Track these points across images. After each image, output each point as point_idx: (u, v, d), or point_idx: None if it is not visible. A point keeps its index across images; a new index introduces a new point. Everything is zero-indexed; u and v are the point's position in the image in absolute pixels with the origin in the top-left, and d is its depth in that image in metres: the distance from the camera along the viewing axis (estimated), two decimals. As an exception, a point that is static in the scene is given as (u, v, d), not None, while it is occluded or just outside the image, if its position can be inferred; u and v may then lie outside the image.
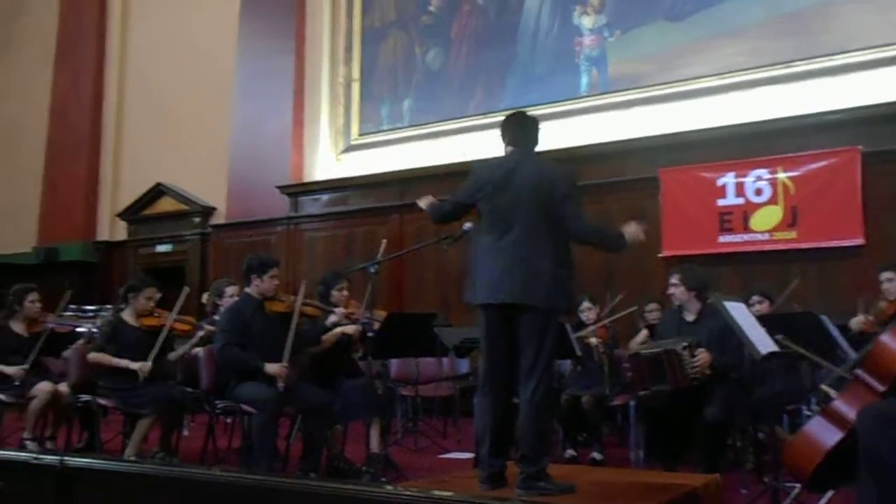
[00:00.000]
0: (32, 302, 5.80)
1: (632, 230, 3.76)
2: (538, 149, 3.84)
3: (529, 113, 3.95)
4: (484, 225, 3.69)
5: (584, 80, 8.64)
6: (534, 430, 3.44)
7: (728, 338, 4.35)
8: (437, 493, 2.52)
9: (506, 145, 3.80)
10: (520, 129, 3.77)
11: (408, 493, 2.53)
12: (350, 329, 5.14)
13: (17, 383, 5.52)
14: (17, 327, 5.76)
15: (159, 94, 12.13)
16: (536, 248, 3.51)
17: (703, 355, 4.49)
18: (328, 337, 5.12)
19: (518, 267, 3.50)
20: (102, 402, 5.33)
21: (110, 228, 12.53)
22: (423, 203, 4.06)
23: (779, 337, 3.70)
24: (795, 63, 7.41)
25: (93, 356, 5.25)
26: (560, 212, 3.55)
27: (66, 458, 3.00)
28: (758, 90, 7.58)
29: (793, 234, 7.00)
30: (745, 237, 7.21)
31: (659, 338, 4.96)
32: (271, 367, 4.70)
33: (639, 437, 5.14)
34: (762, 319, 4.10)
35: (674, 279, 4.91)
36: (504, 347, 3.57)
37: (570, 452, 5.53)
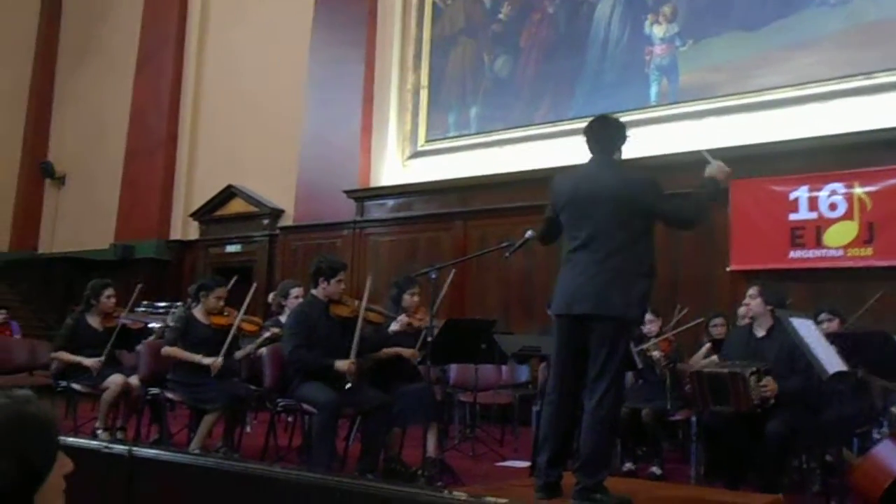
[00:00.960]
0: (108, 297, 6.03)
1: (714, 171, 3.72)
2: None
3: (614, 117, 3.87)
4: (565, 237, 3.68)
5: (654, 89, 8.53)
6: (595, 440, 3.40)
7: (798, 356, 4.22)
8: (491, 499, 2.52)
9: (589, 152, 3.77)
10: (594, 135, 3.71)
11: (463, 498, 2.55)
12: (407, 353, 5.20)
13: (93, 374, 5.74)
14: (93, 321, 6.00)
15: (233, 100, 12.46)
16: (614, 257, 3.47)
17: (770, 384, 4.33)
18: (384, 353, 5.19)
19: (594, 277, 3.47)
20: (170, 395, 5.50)
21: (183, 228, 12.92)
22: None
23: (851, 364, 3.58)
24: (876, 74, 7.17)
25: (167, 350, 5.43)
26: (655, 218, 3.56)
27: (134, 448, 3.12)
28: (835, 102, 7.36)
29: (868, 251, 6.76)
30: (818, 253, 6.99)
31: (725, 354, 4.84)
32: (341, 364, 4.80)
33: (699, 453, 5.04)
34: (831, 338, 3.98)
35: (752, 291, 4.75)
36: (575, 356, 3.55)
37: (628, 466, 5.45)
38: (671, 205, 3.59)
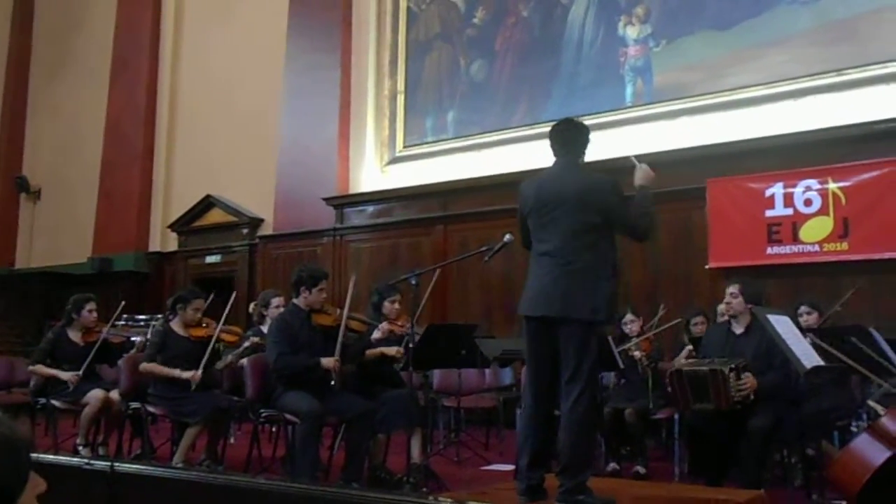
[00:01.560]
0: (90, 311, 5.98)
1: (638, 177, 3.74)
2: (589, 157, 3.83)
3: (578, 120, 3.90)
4: (533, 241, 3.71)
5: (629, 90, 8.59)
6: (574, 442, 3.42)
7: (775, 352, 4.27)
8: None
9: (554, 155, 3.80)
10: (559, 138, 3.75)
11: (448, 503, 2.55)
12: (391, 351, 5.21)
13: (70, 388, 5.69)
14: (74, 336, 5.95)
15: (209, 109, 12.40)
16: (578, 259, 3.50)
17: (749, 381, 4.38)
18: (370, 353, 5.21)
19: (559, 279, 3.50)
20: (152, 409, 5.46)
21: (161, 239, 12.83)
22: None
23: (826, 345, 3.62)
24: (846, 71, 7.26)
25: (144, 366, 5.39)
26: (614, 223, 3.57)
27: (116, 463, 3.09)
28: (807, 99, 7.44)
29: (844, 246, 6.84)
30: (795, 248, 7.07)
31: (704, 352, 4.88)
32: (326, 361, 4.82)
33: (683, 451, 5.07)
34: (810, 332, 4.02)
35: (733, 289, 4.77)
36: (547, 359, 3.57)
37: (612, 466, 5.48)
38: (626, 215, 3.61)
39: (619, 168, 7.71)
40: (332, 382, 4.79)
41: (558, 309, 3.47)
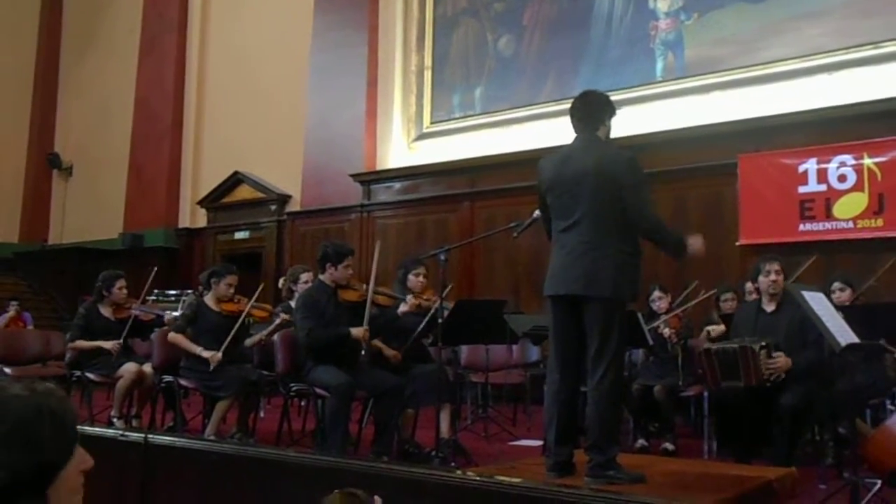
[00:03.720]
0: (120, 289, 6.07)
1: (697, 245, 3.60)
2: (614, 132, 3.76)
3: (597, 91, 3.79)
4: (553, 219, 3.67)
5: (660, 64, 8.47)
6: (601, 418, 3.42)
7: (808, 330, 4.22)
8: (504, 479, 2.54)
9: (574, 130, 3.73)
10: (578, 114, 3.66)
11: (476, 478, 2.56)
12: (389, 353, 5.21)
13: (110, 359, 5.79)
14: (105, 311, 6.04)
15: (237, 86, 12.44)
16: (599, 236, 3.46)
17: (781, 359, 4.34)
18: (373, 345, 5.18)
19: (580, 257, 3.47)
20: (184, 383, 5.54)
21: (191, 216, 12.95)
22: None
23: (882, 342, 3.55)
24: (883, 44, 7.09)
25: (171, 336, 5.46)
26: (625, 200, 3.47)
27: (150, 435, 3.15)
28: (843, 73, 7.29)
29: (879, 222, 6.72)
30: (828, 225, 6.96)
31: (735, 330, 4.84)
32: (356, 331, 4.85)
33: (712, 428, 5.05)
34: (844, 310, 3.96)
35: (777, 266, 4.72)
36: (572, 336, 3.56)
37: (641, 443, 5.47)
38: (642, 197, 3.51)
39: (646, 144, 7.72)
40: (363, 352, 4.82)
41: (581, 287, 3.45)
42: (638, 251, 3.55)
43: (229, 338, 5.40)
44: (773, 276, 4.70)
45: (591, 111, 3.66)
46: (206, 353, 5.32)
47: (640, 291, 3.72)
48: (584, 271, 3.45)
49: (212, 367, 5.30)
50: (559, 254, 3.57)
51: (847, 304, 4.78)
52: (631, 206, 3.47)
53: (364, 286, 5.17)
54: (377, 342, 5.23)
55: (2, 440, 1.22)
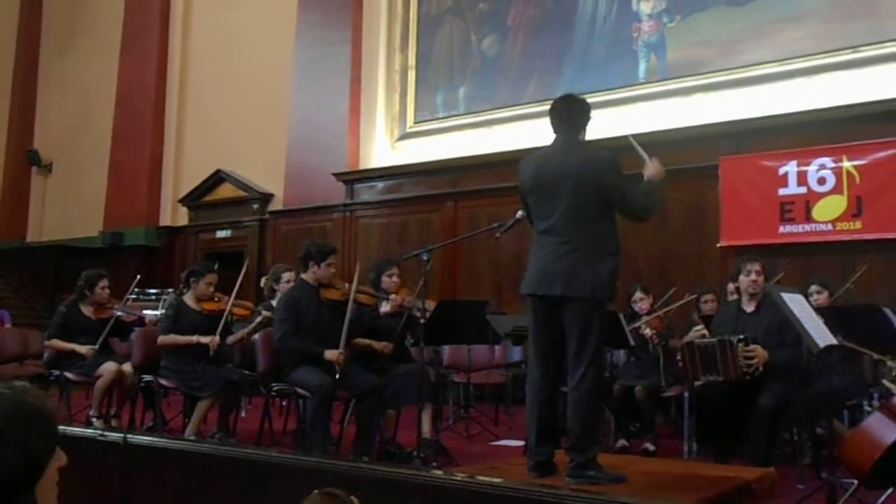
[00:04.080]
0: (102, 288, 6.02)
1: (652, 170, 3.71)
2: (590, 134, 3.79)
3: (578, 96, 3.85)
4: (533, 219, 3.70)
5: (643, 66, 8.51)
6: (581, 419, 3.44)
7: (787, 330, 4.26)
8: (485, 479, 2.55)
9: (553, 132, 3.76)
10: (559, 115, 3.70)
11: (457, 478, 2.57)
12: (379, 346, 5.19)
13: (86, 361, 5.74)
14: (86, 310, 5.98)
15: (219, 83, 12.37)
16: (578, 237, 3.49)
17: (758, 351, 4.41)
18: (359, 343, 5.18)
19: (560, 258, 3.49)
20: (164, 382, 5.51)
21: (172, 214, 12.86)
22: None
23: (838, 338, 3.61)
24: (862, 48, 7.16)
25: (162, 339, 5.42)
26: (613, 201, 3.52)
27: (129, 435, 3.13)
28: (823, 76, 7.36)
29: (857, 225, 6.79)
30: (807, 227, 7.03)
31: (715, 330, 4.88)
32: (329, 354, 4.81)
33: (692, 428, 5.09)
34: (822, 312, 4.01)
35: (758, 267, 4.77)
36: (551, 337, 3.58)
37: (622, 443, 5.50)
38: (627, 194, 3.57)
39: (628, 146, 7.74)
40: (337, 375, 4.78)
41: (560, 287, 3.47)
42: (617, 251, 3.58)
43: (220, 328, 5.38)
44: (753, 276, 4.75)
45: (574, 114, 3.70)
46: (205, 339, 5.31)
47: (618, 291, 3.75)
48: (563, 271, 3.47)
49: (211, 352, 5.28)
50: (539, 254, 3.60)
51: (825, 306, 4.82)
52: (621, 205, 3.54)
53: (346, 285, 5.16)
54: (362, 340, 5.22)
55: None
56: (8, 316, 10.81)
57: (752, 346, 4.42)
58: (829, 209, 6.93)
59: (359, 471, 2.68)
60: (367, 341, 5.22)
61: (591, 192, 3.50)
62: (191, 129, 12.94)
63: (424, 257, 4.76)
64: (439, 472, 2.77)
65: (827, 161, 6.97)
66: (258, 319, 5.84)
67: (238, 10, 12.25)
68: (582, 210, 3.50)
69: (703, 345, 4.55)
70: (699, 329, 5.31)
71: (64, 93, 15.04)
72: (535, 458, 3.54)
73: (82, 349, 5.76)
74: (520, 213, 4.43)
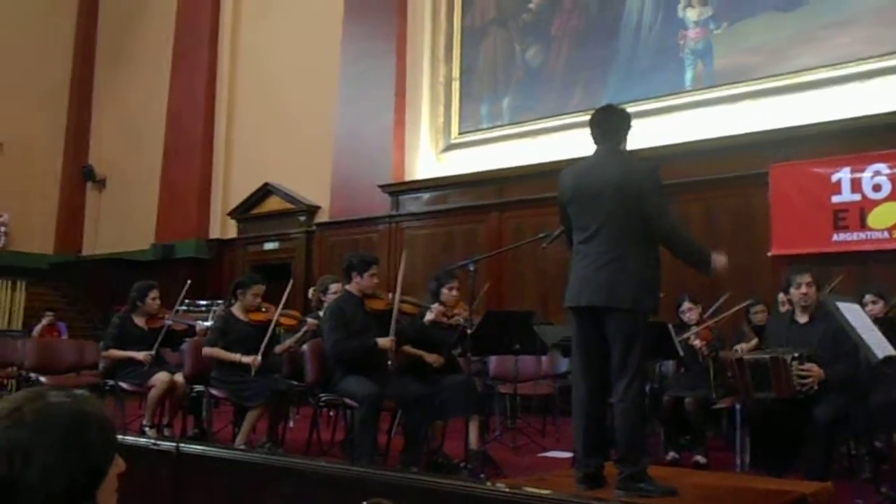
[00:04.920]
0: (153, 299, 6.15)
1: (721, 262, 3.58)
2: (637, 143, 3.77)
3: (618, 106, 3.84)
4: (574, 230, 3.68)
5: (689, 74, 8.42)
6: (628, 430, 3.40)
7: (842, 341, 4.15)
8: (534, 490, 2.53)
9: (594, 143, 3.74)
10: (599, 126, 3.69)
11: (505, 489, 2.55)
12: (430, 357, 5.22)
13: (144, 368, 5.86)
14: (139, 321, 6.12)
15: (266, 98, 12.57)
16: (620, 248, 3.46)
17: (814, 370, 4.28)
18: (408, 351, 5.21)
19: (602, 269, 3.47)
20: (214, 392, 5.59)
21: (221, 227, 13.08)
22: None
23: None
24: (918, 51, 7.00)
25: (207, 351, 5.50)
26: (644, 210, 3.47)
27: (181, 444, 3.17)
28: (875, 80, 7.20)
29: (915, 233, 6.61)
30: (862, 235, 6.85)
31: (767, 342, 4.78)
32: (382, 342, 4.87)
33: (744, 441, 4.98)
34: (879, 322, 3.90)
35: (808, 278, 4.63)
36: (595, 348, 3.56)
37: (672, 455, 5.41)
38: (663, 208, 3.50)
39: (676, 154, 7.67)
40: (389, 362, 4.83)
41: (602, 298, 3.45)
42: (658, 263, 3.55)
43: (264, 343, 5.45)
44: (803, 289, 4.63)
45: (615, 124, 3.69)
46: (246, 359, 5.36)
47: (664, 302, 3.70)
48: (605, 282, 3.45)
49: (253, 372, 5.33)
50: (580, 265, 3.57)
51: (880, 316, 4.69)
52: (652, 216, 3.48)
53: (390, 295, 5.19)
54: (412, 349, 5.24)
55: (55, 446, 1.25)
56: (65, 328, 11.11)
57: (807, 365, 4.29)
58: (886, 216, 6.76)
59: (406, 481, 2.68)
60: (418, 352, 5.24)
61: (631, 201, 3.47)
62: (239, 144, 13.16)
63: (471, 268, 4.77)
64: (487, 484, 2.76)
65: (882, 167, 6.80)
66: (304, 329, 5.90)
67: (284, 26, 12.45)
68: (623, 220, 3.47)
69: (755, 361, 4.42)
70: (752, 342, 5.21)
71: (117, 110, 15.44)
72: (583, 469, 3.51)
73: (139, 355, 5.90)
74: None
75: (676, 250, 3.58)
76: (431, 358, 5.23)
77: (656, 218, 3.48)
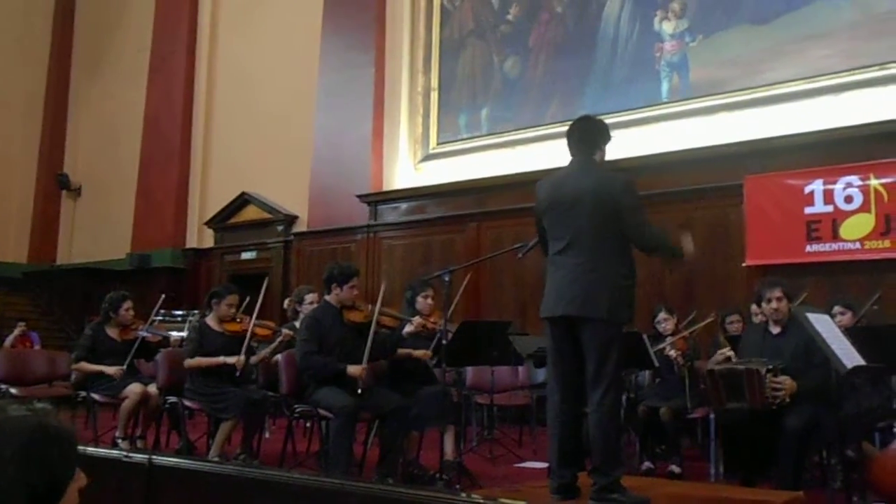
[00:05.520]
0: (127, 310, 6.09)
1: (689, 247, 3.64)
2: (613, 154, 3.79)
3: (595, 117, 3.87)
4: (549, 240, 3.69)
5: (665, 86, 8.50)
6: (603, 440, 3.40)
7: (814, 352, 4.19)
8: (509, 501, 2.53)
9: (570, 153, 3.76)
10: (575, 137, 3.71)
11: (481, 500, 2.55)
12: (419, 353, 5.22)
13: (113, 382, 5.79)
14: (112, 332, 6.05)
15: (244, 107, 12.53)
16: (595, 259, 3.48)
17: (787, 382, 4.30)
18: (399, 354, 5.22)
19: (577, 279, 3.48)
20: (188, 403, 5.54)
21: (198, 236, 13.00)
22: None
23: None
24: (889, 65, 7.11)
25: (189, 362, 5.44)
26: (622, 223, 3.50)
27: (154, 456, 3.14)
28: (849, 94, 7.31)
29: (886, 244, 6.70)
30: (835, 246, 6.94)
31: (741, 353, 4.82)
32: (353, 369, 4.83)
33: (719, 451, 5.01)
34: (849, 332, 3.94)
35: (778, 293, 4.64)
36: (570, 359, 3.56)
37: (647, 465, 5.44)
38: (640, 219, 3.53)
39: (652, 165, 7.74)
40: (360, 391, 4.79)
41: (577, 308, 3.46)
42: (633, 274, 3.57)
43: (244, 347, 5.42)
44: (774, 304, 4.65)
45: (590, 136, 3.71)
46: (231, 359, 5.34)
47: (641, 312, 3.73)
48: (580, 292, 3.46)
49: (238, 372, 5.30)
50: (555, 276, 3.59)
51: (849, 326, 4.75)
52: (630, 227, 3.50)
53: (369, 307, 5.17)
54: (403, 350, 5.24)
55: (16, 460, 1.24)
56: (37, 337, 10.97)
57: (780, 378, 4.32)
58: (857, 228, 6.85)
59: (382, 493, 2.67)
60: (406, 350, 5.23)
61: (607, 213, 3.49)
62: (216, 153, 13.10)
63: (446, 278, 4.77)
64: (462, 495, 2.76)
65: (854, 179, 6.90)
66: (279, 339, 5.87)
67: (263, 36, 12.43)
68: (598, 231, 3.49)
69: (728, 372, 4.45)
70: (726, 352, 5.24)
71: (93, 118, 15.32)
72: (557, 480, 3.51)
73: (110, 370, 5.83)
74: (542, 233, 4.44)
75: (655, 255, 3.67)
76: (420, 353, 5.23)
77: (636, 233, 3.51)
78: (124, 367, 5.85)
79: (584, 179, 3.58)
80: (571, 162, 3.72)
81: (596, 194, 3.52)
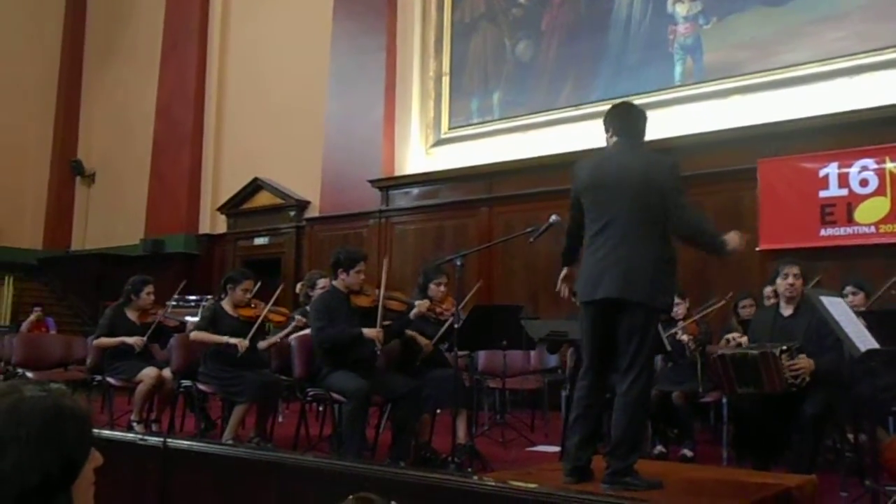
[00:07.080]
0: (148, 294, 6.14)
1: (736, 242, 3.54)
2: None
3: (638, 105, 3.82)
4: (587, 221, 3.61)
5: (678, 69, 8.44)
6: (626, 424, 3.38)
7: (826, 334, 4.17)
8: (520, 484, 2.54)
9: (609, 136, 3.69)
10: (625, 120, 3.66)
11: (492, 483, 2.56)
12: (423, 341, 5.24)
13: (131, 361, 5.83)
14: (131, 315, 6.10)
15: (256, 92, 12.54)
16: (636, 242, 3.42)
17: (804, 362, 4.27)
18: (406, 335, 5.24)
19: (617, 263, 3.41)
20: (202, 387, 5.58)
21: (211, 222, 13.05)
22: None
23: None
24: (905, 47, 7.03)
25: (195, 335, 5.51)
26: (666, 205, 3.43)
27: (168, 439, 3.17)
28: (864, 76, 7.23)
29: (901, 227, 6.65)
30: (849, 230, 6.90)
31: (752, 336, 4.80)
32: (369, 332, 4.87)
33: (731, 435, 5.01)
34: (860, 314, 3.92)
35: (796, 270, 4.64)
36: (605, 343, 3.52)
37: (659, 449, 5.44)
38: (682, 201, 3.47)
39: (665, 148, 7.67)
40: (378, 350, 4.82)
41: (618, 290, 3.39)
42: (673, 259, 3.51)
43: (252, 331, 5.46)
44: (790, 280, 4.64)
45: (636, 120, 3.67)
46: (233, 340, 5.37)
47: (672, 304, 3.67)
48: (620, 276, 3.40)
49: (239, 354, 5.33)
50: (595, 256, 3.50)
51: (861, 308, 4.72)
52: (673, 211, 3.44)
53: (376, 291, 5.18)
54: (410, 332, 5.26)
55: (31, 441, 1.25)
56: (52, 323, 11.08)
57: (797, 358, 4.29)
58: (872, 211, 6.80)
59: (394, 476, 2.69)
60: (412, 333, 5.25)
61: (652, 195, 3.43)
62: (229, 139, 13.13)
63: (458, 262, 4.76)
64: (474, 478, 2.77)
65: (869, 162, 6.84)
66: (292, 325, 5.90)
67: (274, 21, 12.41)
68: (641, 213, 3.43)
69: (742, 356, 4.42)
70: (737, 336, 5.22)
71: (106, 105, 15.37)
72: (573, 461, 3.49)
73: (131, 340, 5.88)
74: (554, 217, 4.42)
75: (696, 243, 3.58)
76: (423, 342, 5.24)
77: (678, 214, 3.45)
78: (145, 338, 5.90)
79: (630, 161, 3.53)
80: (615, 143, 3.65)
81: (645, 174, 3.47)
